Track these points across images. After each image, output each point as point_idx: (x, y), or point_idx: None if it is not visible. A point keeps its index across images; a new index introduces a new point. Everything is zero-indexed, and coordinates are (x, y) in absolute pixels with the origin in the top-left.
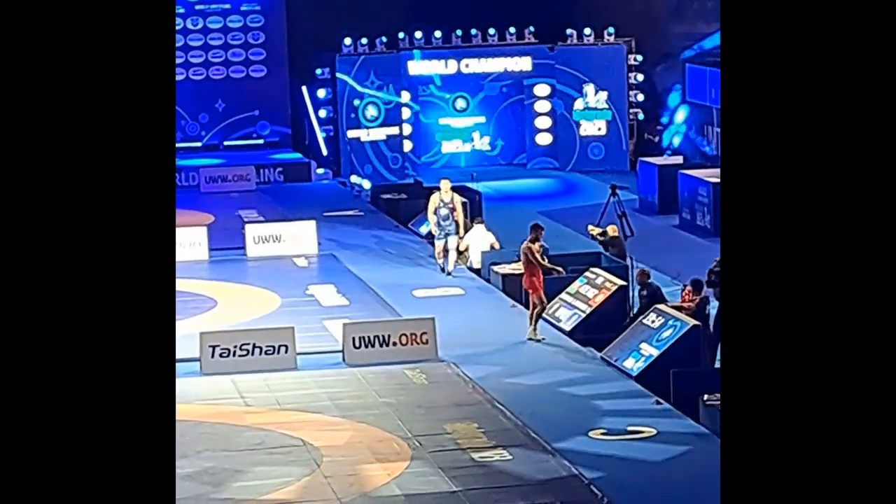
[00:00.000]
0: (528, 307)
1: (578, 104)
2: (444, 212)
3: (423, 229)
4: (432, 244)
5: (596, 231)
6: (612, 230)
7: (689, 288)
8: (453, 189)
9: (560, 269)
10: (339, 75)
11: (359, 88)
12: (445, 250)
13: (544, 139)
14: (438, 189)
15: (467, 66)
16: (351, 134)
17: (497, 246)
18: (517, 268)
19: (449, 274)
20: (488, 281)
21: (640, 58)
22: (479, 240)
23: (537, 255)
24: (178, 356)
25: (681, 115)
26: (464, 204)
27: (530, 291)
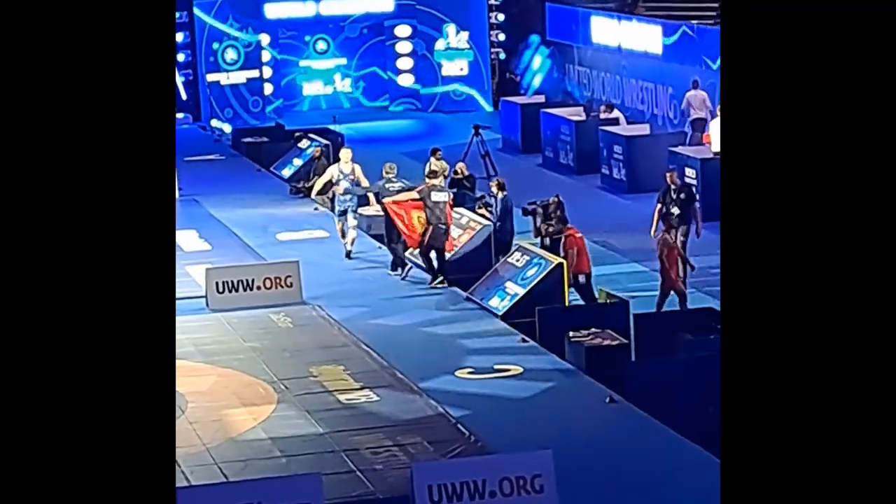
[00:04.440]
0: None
1: (440, 44)
2: (344, 184)
3: (286, 172)
4: (298, 189)
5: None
6: (460, 168)
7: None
8: (328, 138)
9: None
10: (197, 14)
11: (218, 26)
12: (344, 230)
13: (406, 80)
14: (338, 160)
15: (327, 7)
16: (210, 77)
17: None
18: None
19: (349, 255)
20: None
21: None
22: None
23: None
24: None
25: (541, 54)
26: (326, 147)
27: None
